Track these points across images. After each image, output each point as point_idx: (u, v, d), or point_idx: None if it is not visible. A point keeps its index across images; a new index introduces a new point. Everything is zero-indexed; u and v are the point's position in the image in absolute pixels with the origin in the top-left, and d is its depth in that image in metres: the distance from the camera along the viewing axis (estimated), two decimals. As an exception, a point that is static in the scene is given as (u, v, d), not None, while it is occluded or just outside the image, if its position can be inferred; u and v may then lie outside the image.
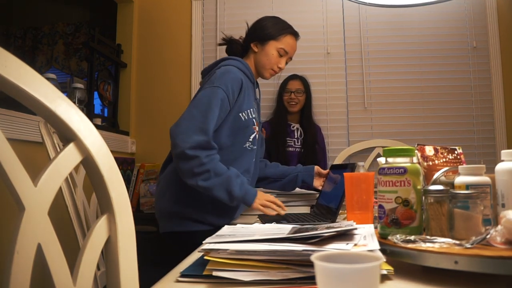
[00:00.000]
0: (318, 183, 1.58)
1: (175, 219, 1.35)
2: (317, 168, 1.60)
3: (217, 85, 1.27)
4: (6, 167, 0.39)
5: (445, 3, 2.43)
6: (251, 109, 1.38)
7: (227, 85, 1.28)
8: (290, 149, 2.37)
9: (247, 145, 1.38)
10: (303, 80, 2.45)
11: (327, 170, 1.58)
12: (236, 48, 1.50)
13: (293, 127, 2.43)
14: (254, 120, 1.38)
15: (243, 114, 1.35)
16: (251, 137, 1.38)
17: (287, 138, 2.38)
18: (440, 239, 0.62)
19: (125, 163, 2.46)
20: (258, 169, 1.54)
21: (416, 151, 1.05)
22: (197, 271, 0.63)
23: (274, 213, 1.28)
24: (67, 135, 0.48)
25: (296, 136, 2.40)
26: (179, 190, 1.33)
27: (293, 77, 2.46)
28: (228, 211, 1.33)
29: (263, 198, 1.28)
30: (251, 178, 1.44)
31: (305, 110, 2.43)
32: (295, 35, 1.50)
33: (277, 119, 2.41)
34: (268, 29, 1.45)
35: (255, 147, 1.42)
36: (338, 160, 2.51)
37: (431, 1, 1.57)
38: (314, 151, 2.38)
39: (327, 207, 1.33)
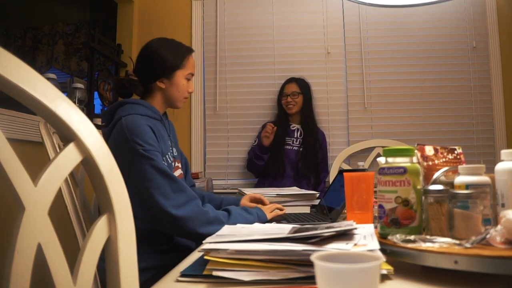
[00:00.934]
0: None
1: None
2: (249, 196, 1.46)
3: (137, 147, 1.11)
4: (6, 167, 0.39)
5: (445, 3, 2.43)
6: (169, 152, 1.27)
7: (145, 140, 1.13)
8: (288, 147, 2.42)
9: None
10: (299, 82, 2.49)
11: (261, 196, 1.44)
12: (135, 89, 1.32)
13: (293, 127, 2.48)
14: (172, 165, 1.27)
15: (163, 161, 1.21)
16: None
17: (286, 137, 2.43)
18: (440, 239, 0.62)
19: (125, 163, 2.45)
20: None
21: (416, 151, 1.05)
22: (197, 271, 0.63)
23: (281, 213, 1.32)
24: (67, 135, 0.48)
25: (295, 136, 2.45)
26: (147, 246, 1.18)
27: (289, 81, 2.52)
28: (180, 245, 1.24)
29: (268, 208, 1.30)
30: None
31: (304, 111, 2.46)
32: (192, 51, 1.38)
33: (278, 121, 2.46)
34: (170, 59, 1.29)
35: None
36: (339, 160, 2.51)
37: (431, 1, 1.57)
38: (314, 153, 2.41)
39: (329, 207, 1.33)
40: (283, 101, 2.47)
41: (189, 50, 1.35)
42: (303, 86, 2.48)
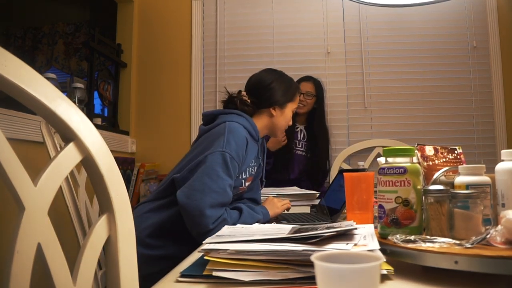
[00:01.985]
0: None
1: (151, 259, 1.16)
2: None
3: (226, 150, 1.17)
4: (6, 167, 0.39)
5: (445, 3, 2.43)
6: (247, 169, 1.31)
7: (237, 151, 1.20)
8: (299, 152, 2.35)
9: None
10: (316, 83, 2.39)
11: None
12: (245, 108, 1.38)
13: (296, 128, 2.39)
14: (243, 181, 1.31)
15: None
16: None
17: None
18: (440, 239, 0.62)
19: (125, 163, 2.46)
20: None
21: (416, 151, 1.05)
22: (197, 271, 0.63)
23: (287, 206, 1.36)
24: (67, 135, 0.48)
25: (298, 138, 2.37)
26: (167, 235, 1.20)
27: (307, 78, 2.40)
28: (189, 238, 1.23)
29: (278, 201, 1.33)
30: None
31: (315, 114, 2.38)
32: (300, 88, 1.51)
33: None
34: (285, 91, 1.41)
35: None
36: (339, 160, 2.51)
37: (431, 1, 1.57)
38: (323, 163, 2.35)
39: (329, 207, 1.33)
40: None
41: (298, 86, 1.49)
42: (319, 89, 2.38)
